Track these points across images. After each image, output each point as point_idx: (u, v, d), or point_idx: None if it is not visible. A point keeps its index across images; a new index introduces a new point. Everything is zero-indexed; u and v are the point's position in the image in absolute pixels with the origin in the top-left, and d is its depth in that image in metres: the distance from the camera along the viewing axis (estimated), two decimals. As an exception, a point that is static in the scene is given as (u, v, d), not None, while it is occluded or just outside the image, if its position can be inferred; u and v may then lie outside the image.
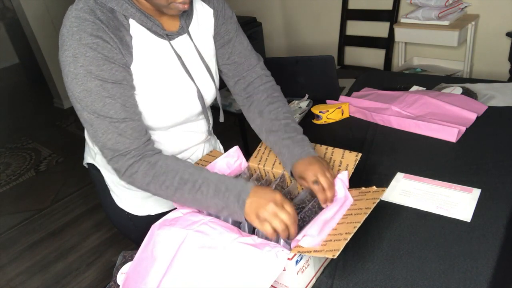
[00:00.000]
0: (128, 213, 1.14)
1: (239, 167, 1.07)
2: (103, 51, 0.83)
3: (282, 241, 0.82)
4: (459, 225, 0.93)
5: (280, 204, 0.81)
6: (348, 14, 2.82)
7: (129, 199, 1.13)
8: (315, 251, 0.76)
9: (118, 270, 0.97)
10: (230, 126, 1.29)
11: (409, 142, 1.25)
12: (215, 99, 1.12)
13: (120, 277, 0.95)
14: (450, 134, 1.21)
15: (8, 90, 5.30)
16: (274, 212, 0.80)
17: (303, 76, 1.61)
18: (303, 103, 1.59)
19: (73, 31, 0.82)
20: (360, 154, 0.99)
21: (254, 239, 0.81)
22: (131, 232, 1.19)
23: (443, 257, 0.86)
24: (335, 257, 0.71)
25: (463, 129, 1.23)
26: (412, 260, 0.87)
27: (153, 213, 1.14)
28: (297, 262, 0.79)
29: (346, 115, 1.47)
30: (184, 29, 0.98)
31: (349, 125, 1.42)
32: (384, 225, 0.97)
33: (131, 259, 0.99)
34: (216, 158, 1.06)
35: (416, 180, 1.08)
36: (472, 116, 1.28)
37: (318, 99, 1.57)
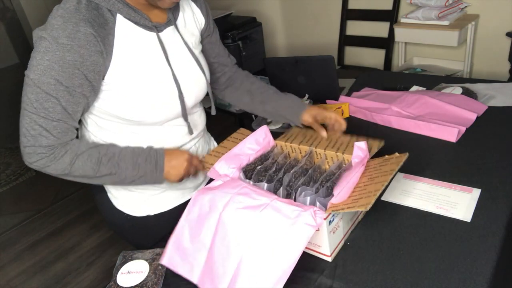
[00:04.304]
0: (126, 214, 1.13)
1: (267, 144, 1.14)
2: (74, 56, 0.85)
3: (318, 203, 0.90)
4: (459, 225, 0.93)
5: (190, 163, 1.03)
6: (348, 14, 2.82)
7: (128, 200, 1.12)
8: (348, 207, 0.82)
9: (118, 270, 0.97)
10: (230, 126, 1.30)
11: (409, 142, 1.25)
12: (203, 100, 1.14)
13: (120, 277, 0.95)
14: (450, 134, 1.21)
15: (8, 90, 5.30)
16: (188, 172, 1.03)
17: (303, 76, 1.61)
18: (303, 103, 1.59)
19: (55, 28, 0.84)
20: (383, 143, 1.07)
21: (291, 201, 0.89)
22: (129, 233, 1.19)
23: (443, 257, 0.86)
24: (367, 209, 0.78)
25: (463, 129, 1.23)
26: (412, 260, 0.87)
27: (152, 213, 1.13)
28: (330, 222, 0.86)
29: (346, 115, 1.47)
30: (171, 21, 1.00)
31: (349, 125, 1.42)
32: (384, 225, 0.97)
33: (131, 259, 0.99)
34: (245, 135, 1.14)
35: (416, 180, 1.08)
36: (472, 116, 1.28)
37: (318, 99, 1.57)
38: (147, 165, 0.98)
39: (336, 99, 1.54)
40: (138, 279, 0.94)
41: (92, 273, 2.20)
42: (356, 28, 2.84)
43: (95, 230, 2.50)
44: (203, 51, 1.13)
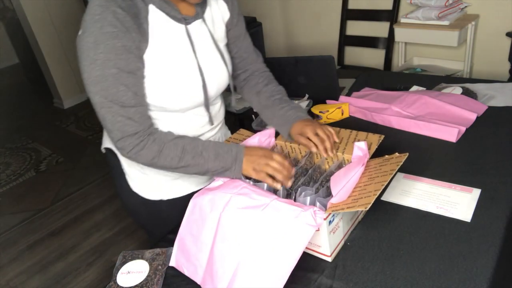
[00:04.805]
0: (141, 197, 1.16)
1: (268, 145, 1.14)
2: (122, 40, 0.88)
3: (318, 203, 0.90)
4: (459, 225, 0.93)
5: (270, 155, 0.98)
6: (348, 14, 2.82)
7: (144, 183, 1.16)
8: (348, 207, 0.82)
9: (118, 270, 0.97)
10: (230, 126, 1.30)
11: (409, 142, 1.25)
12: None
13: (120, 277, 0.95)
14: (450, 134, 1.21)
15: (8, 90, 5.30)
16: (265, 163, 0.97)
17: (303, 76, 1.61)
18: (303, 103, 1.59)
19: (96, 19, 0.87)
20: (383, 136, 1.06)
21: (291, 202, 0.89)
22: (142, 217, 1.22)
23: (443, 257, 0.86)
24: (367, 209, 0.79)
25: (463, 129, 1.23)
26: (412, 260, 0.87)
27: (165, 198, 1.17)
28: (330, 222, 0.86)
29: (346, 115, 1.47)
30: (199, 15, 1.03)
31: (349, 125, 1.42)
32: (384, 225, 0.97)
33: (131, 259, 0.99)
34: (245, 136, 1.15)
35: (416, 180, 1.08)
36: (472, 116, 1.28)
37: (318, 99, 1.57)
38: (227, 157, 0.99)
39: (336, 99, 1.54)
40: (138, 279, 0.94)
41: (92, 273, 2.19)
42: (356, 28, 2.84)
43: (95, 230, 2.50)
44: (226, 45, 1.15)
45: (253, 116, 1.65)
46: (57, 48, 4.09)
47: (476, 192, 1.00)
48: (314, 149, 1.05)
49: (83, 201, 2.79)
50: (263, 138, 1.14)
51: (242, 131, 1.20)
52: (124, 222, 2.50)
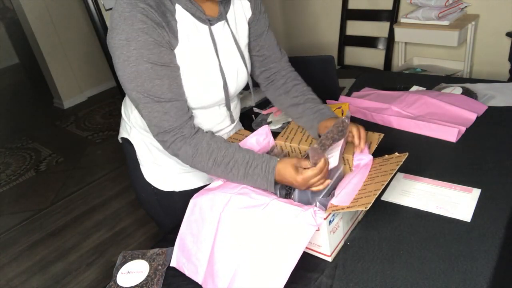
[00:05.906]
0: (154, 187, 1.19)
1: (267, 144, 1.15)
2: (153, 35, 0.89)
3: (318, 203, 0.90)
4: (459, 225, 0.93)
5: (304, 183, 0.91)
6: (348, 14, 2.82)
7: (156, 173, 1.18)
8: (348, 207, 0.83)
9: (118, 270, 0.97)
10: (230, 126, 1.32)
11: (409, 142, 1.25)
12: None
13: (120, 277, 0.95)
14: (450, 134, 1.21)
15: (8, 90, 5.30)
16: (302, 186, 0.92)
17: (303, 76, 1.60)
18: (303, 103, 1.58)
19: (125, 16, 0.88)
20: (382, 135, 1.07)
21: (291, 202, 0.89)
22: (153, 207, 1.24)
23: (443, 257, 0.86)
24: (367, 208, 0.79)
25: (463, 129, 1.23)
26: (412, 260, 0.87)
27: (177, 189, 1.19)
28: (330, 222, 0.86)
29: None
30: (223, 16, 1.03)
31: (349, 125, 1.42)
32: (384, 225, 0.97)
33: (131, 259, 0.99)
34: (245, 136, 1.15)
35: (416, 180, 1.08)
36: (472, 116, 1.28)
37: (318, 99, 1.57)
38: (256, 178, 0.95)
39: (336, 99, 1.54)
40: (138, 279, 0.94)
41: (92, 273, 2.20)
42: (356, 28, 2.84)
43: (95, 230, 2.50)
44: (248, 44, 1.15)
45: (253, 116, 1.64)
46: (57, 48, 4.09)
47: (476, 192, 1.00)
48: (356, 140, 1.01)
49: (83, 201, 2.79)
50: (261, 137, 1.14)
51: (242, 131, 1.20)
52: (124, 222, 2.50)
